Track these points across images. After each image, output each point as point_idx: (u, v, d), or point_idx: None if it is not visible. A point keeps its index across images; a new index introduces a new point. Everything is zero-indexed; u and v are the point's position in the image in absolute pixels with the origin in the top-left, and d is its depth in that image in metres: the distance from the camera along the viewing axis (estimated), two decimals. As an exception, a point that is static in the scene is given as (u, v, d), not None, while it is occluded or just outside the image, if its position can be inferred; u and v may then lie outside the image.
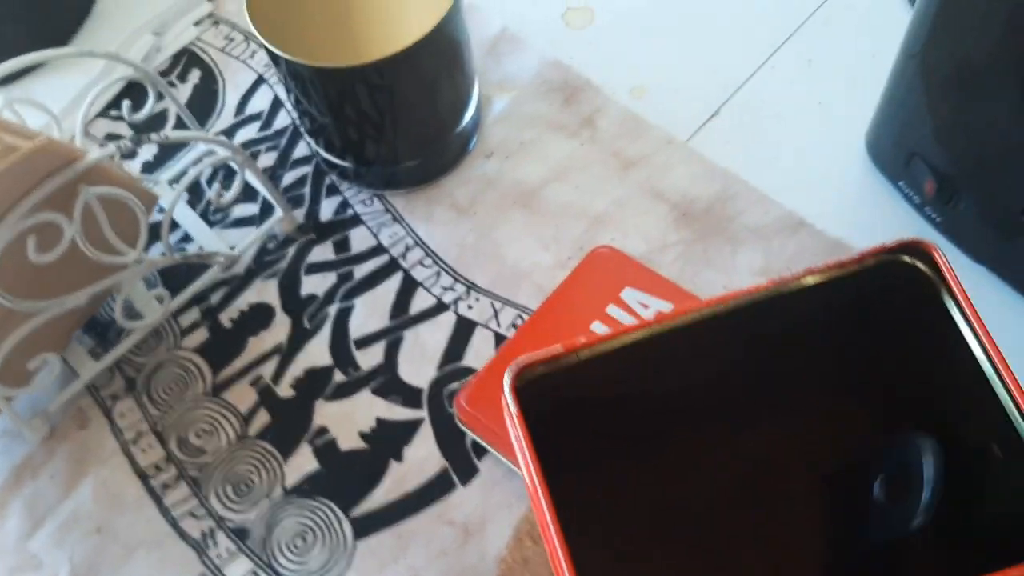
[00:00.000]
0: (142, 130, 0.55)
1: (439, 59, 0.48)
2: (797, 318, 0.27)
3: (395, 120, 0.49)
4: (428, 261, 0.51)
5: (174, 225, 0.52)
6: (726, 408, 0.30)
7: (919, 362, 0.29)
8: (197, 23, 0.59)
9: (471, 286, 0.50)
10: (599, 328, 0.47)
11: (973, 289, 0.47)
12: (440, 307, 0.49)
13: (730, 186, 0.51)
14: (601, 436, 0.29)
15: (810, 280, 0.29)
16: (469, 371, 0.47)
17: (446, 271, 0.50)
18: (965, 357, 0.28)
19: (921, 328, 0.27)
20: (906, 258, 0.29)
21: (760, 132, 0.53)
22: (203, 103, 0.57)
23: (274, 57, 0.46)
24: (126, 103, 0.49)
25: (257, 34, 0.45)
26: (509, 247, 0.51)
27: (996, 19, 0.38)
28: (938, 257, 0.29)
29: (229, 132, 0.55)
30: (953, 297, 0.28)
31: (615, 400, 0.29)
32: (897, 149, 0.48)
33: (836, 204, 0.50)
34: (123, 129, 0.56)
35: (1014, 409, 0.26)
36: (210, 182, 0.54)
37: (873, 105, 0.49)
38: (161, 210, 0.52)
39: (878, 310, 0.28)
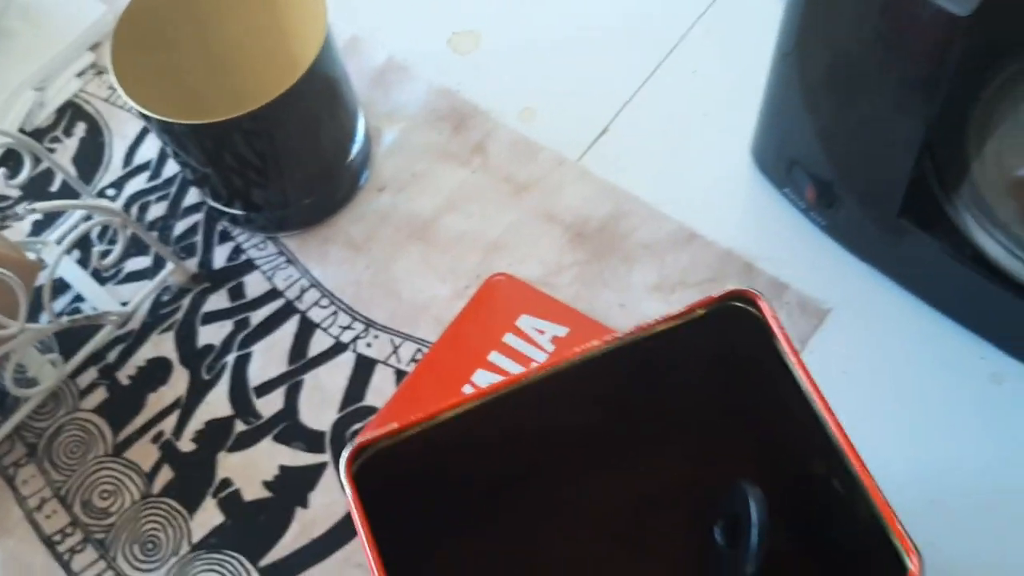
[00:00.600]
0: (26, 194, 0.54)
1: (316, 99, 0.48)
2: (645, 371, 0.27)
3: (278, 164, 0.49)
4: (325, 301, 0.50)
5: (65, 286, 0.51)
6: (580, 460, 0.30)
7: (767, 401, 0.30)
8: (80, 74, 0.58)
9: (369, 323, 0.50)
10: (497, 359, 0.47)
11: (860, 288, 0.48)
12: (339, 347, 0.49)
13: (622, 204, 0.51)
14: (451, 503, 0.30)
15: (651, 331, 0.29)
16: (371, 410, 0.47)
17: (343, 310, 0.50)
18: (799, 399, 0.28)
19: (764, 369, 0.28)
20: (739, 304, 0.30)
21: (649, 147, 0.53)
22: (90, 156, 0.56)
23: (144, 115, 0.46)
24: (2, 171, 0.48)
25: (123, 92, 0.44)
26: (406, 281, 0.51)
27: (868, 10, 0.38)
28: (762, 306, 0.29)
29: (118, 184, 0.55)
30: (779, 343, 0.29)
31: (460, 467, 0.29)
32: (779, 157, 0.49)
33: (726, 215, 0.50)
34: (7, 193, 0.55)
35: (841, 447, 0.27)
36: (101, 237, 0.53)
37: (757, 113, 0.50)
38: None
39: (723, 355, 0.28)
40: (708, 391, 0.31)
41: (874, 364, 0.46)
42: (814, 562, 0.28)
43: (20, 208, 0.41)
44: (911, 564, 0.25)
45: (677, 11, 0.56)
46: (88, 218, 0.49)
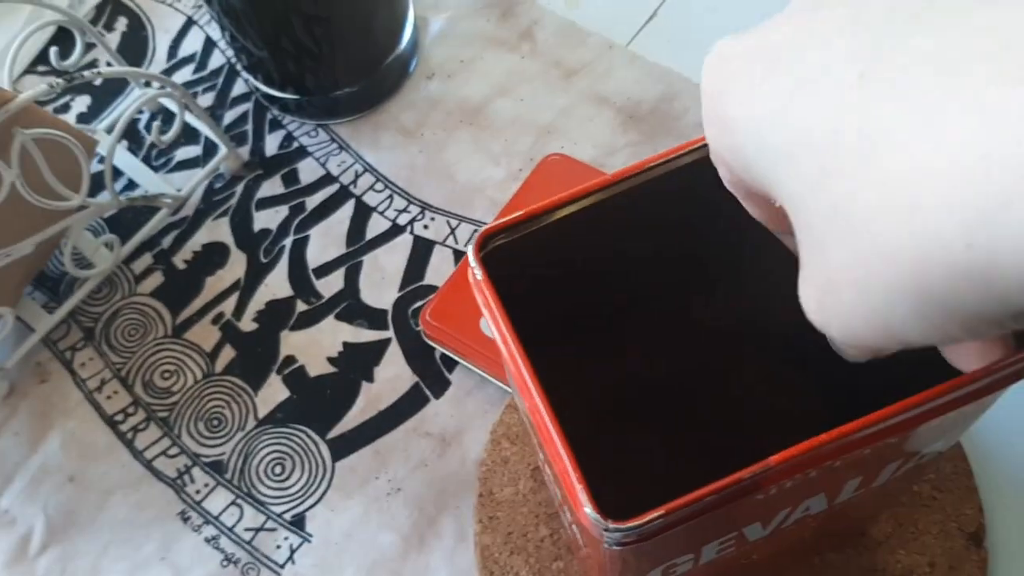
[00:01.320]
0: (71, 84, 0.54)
1: (371, -20, 0.48)
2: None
3: (332, 48, 0.49)
4: (379, 186, 0.50)
5: (117, 172, 0.51)
6: (694, 273, 0.30)
7: None
8: (119, -31, 0.58)
9: (425, 206, 0.50)
10: (557, 232, 0.47)
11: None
12: (396, 229, 0.49)
13: (674, 85, 0.51)
14: (569, 301, 0.30)
15: None
16: (431, 289, 0.47)
17: (398, 194, 0.50)
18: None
19: None
20: None
21: (698, 29, 0.53)
22: (133, 50, 0.55)
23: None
24: (53, 50, 0.47)
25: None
26: (459, 165, 0.51)
27: None
28: None
29: (165, 73, 0.54)
30: None
31: (580, 267, 0.29)
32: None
33: (778, 92, 0.50)
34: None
35: None
36: (149, 127, 0.53)
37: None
38: (101, 160, 0.51)
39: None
40: None
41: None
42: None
43: (88, 72, 0.41)
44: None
45: None
46: (139, 110, 0.49)
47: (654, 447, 0.30)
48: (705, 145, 0.28)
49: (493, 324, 0.26)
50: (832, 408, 0.23)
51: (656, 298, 0.31)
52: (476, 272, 0.26)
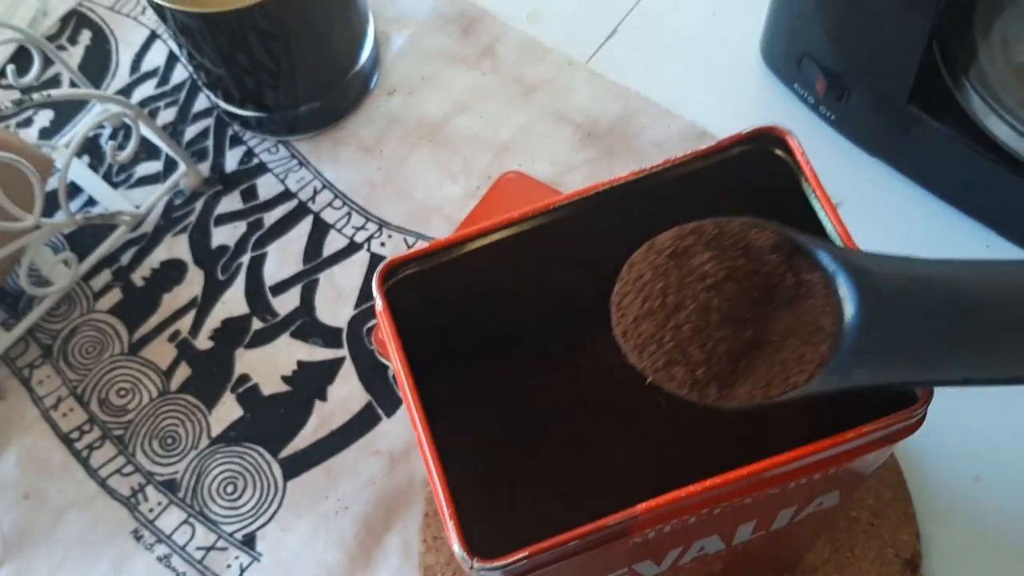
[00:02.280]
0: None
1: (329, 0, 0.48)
2: (666, 209, 0.28)
3: (291, 64, 0.49)
4: (338, 203, 0.51)
5: (76, 189, 0.51)
6: (599, 305, 0.31)
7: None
8: (84, -17, 0.58)
9: (383, 224, 0.50)
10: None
11: (869, 182, 0.48)
12: (353, 247, 0.49)
13: (632, 103, 0.52)
14: (471, 333, 0.30)
15: (675, 169, 0.30)
16: (386, 307, 0.47)
17: (357, 211, 0.50)
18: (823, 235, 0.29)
19: (786, 215, 0.28)
20: (765, 145, 0.30)
21: (658, 47, 0.53)
22: (97, 64, 0.55)
23: (160, 11, 0.46)
24: (11, 68, 0.47)
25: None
26: (418, 182, 0.51)
27: None
28: (791, 142, 0.29)
29: (125, 91, 0.54)
30: (808, 182, 0.29)
31: (485, 298, 0.29)
32: (788, 52, 0.49)
33: (735, 111, 0.51)
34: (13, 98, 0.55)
35: None
36: (112, 139, 0.53)
37: (765, 10, 0.50)
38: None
39: (745, 199, 0.28)
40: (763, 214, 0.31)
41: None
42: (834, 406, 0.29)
43: (37, 95, 0.41)
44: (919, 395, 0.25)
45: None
46: (100, 125, 0.49)
47: (554, 481, 0.30)
48: (610, 188, 0.29)
49: (391, 354, 0.26)
50: (728, 452, 0.24)
51: (561, 332, 0.31)
52: (378, 302, 0.26)
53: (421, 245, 0.48)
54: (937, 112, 0.44)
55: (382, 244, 0.49)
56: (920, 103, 0.44)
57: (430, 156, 0.51)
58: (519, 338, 0.31)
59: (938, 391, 0.31)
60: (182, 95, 0.54)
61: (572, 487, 0.29)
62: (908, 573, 0.37)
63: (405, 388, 0.26)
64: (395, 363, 0.26)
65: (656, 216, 0.27)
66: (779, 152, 0.30)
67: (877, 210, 0.48)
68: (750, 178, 0.30)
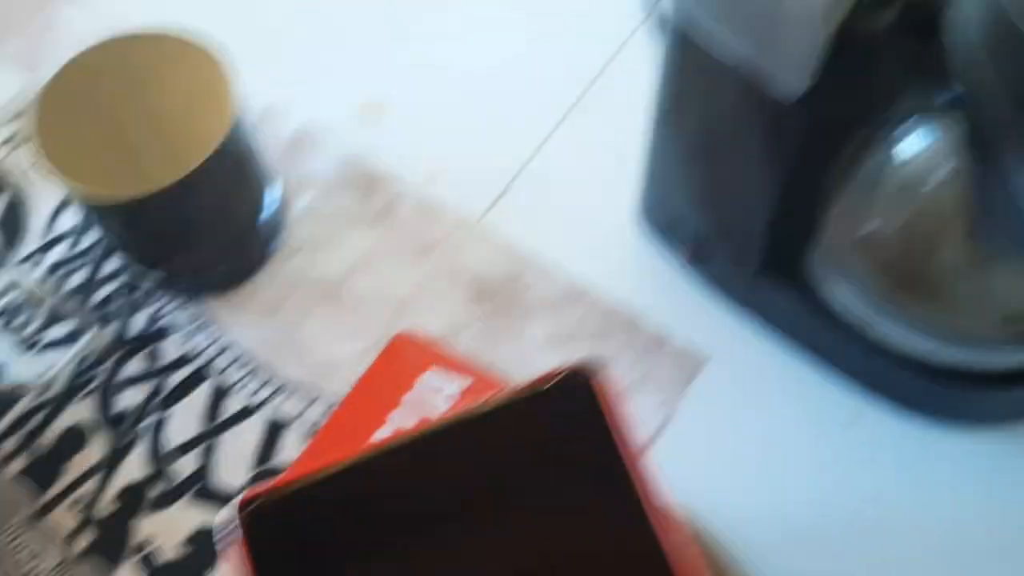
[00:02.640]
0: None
1: (229, 172, 0.51)
2: (490, 441, 0.30)
3: (196, 232, 0.52)
4: (239, 364, 0.53)
5: (-14, 355, 0.53)
6: (462, 526, 0.33)
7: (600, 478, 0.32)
8: (3, 143, 0.60)
9: (282, 384, 0.52)
10: (399, 414, 0.50)
11: (737, 338, 0.51)
12: (252, 408, 0.52)
13: (519, 263, 0.55)
14: (339, 560, 0.32)
15: (498, 404, 0.32)
16: (283, 468, 0.50)
17: (257, 372, 0.53)
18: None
19: (596, 440, 0.31)
20: (581, 378, 0.33)
21: (545, 208, 0.57)
22: (10, 226, 0.58)
23: (66, 187, 0.48)
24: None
25: (47, 165, 0.47)
26: (317, 341, 0.53)
27: (719, 88, 0.42)
28: (598, 382, 0.32)
29: (39, 253, 0.57)
30: (608, 423, 0.32)
31: (351, 522, 0.32)
32: (660, 217, 0.52)
33: (614, 272, 0.54)
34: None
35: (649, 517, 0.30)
36: (20, 309, 0.55)
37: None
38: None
39: (566, 425, 0.31)
40: (564, 458, 0.34)
41: (748, 407, 0.50)
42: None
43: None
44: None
45: (570, 79, 0.60)
46: (5, 291, 0.51)
47: None
48: (442, 426, 0.31)
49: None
50: None
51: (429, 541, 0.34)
52: (238, 532, 0.29)
53: (317, 407, 0.50)
54: (788, 280, 0.47)
55: (280, 405, 0.52)
56: (773, 271, 0.48)
57: (329, 315, 0.54)
58: (386, 560, 0.33)
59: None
60: (94, 257, 0.57)
61: None
62: None
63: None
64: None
65: (478, 448, 0.30)
66: (592, 387, 0.32)
67: (742, 363, 0.51)
68: (571, 412, 0.32)
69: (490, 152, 0.58)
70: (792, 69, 0.37)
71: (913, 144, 0.46)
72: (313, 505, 0.31)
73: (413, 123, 0.60)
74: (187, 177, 0.48)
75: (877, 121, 0.46)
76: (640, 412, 0.50)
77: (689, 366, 0.51)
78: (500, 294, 0.54)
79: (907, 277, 0.46)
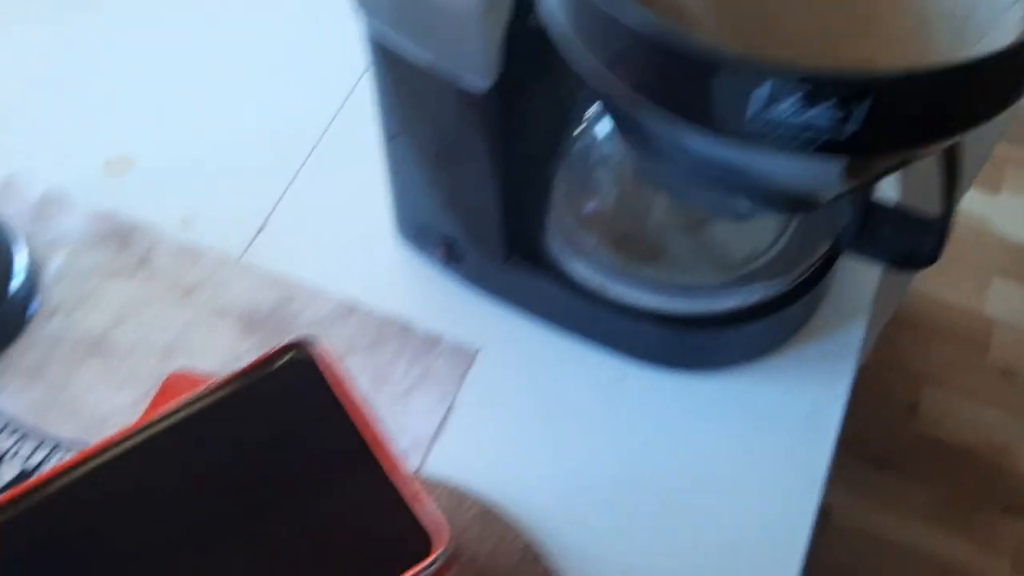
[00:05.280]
0: None
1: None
2: (226, 425, 0.32)
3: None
4: (8, 432, 0.51)
5: None
6: (199, 521, 0.33)
7: (340, 436, 0.34)
8: None
9: (56, 444, 0.51)
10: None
11: (503, 325, 0.55)
12: (28, 472, 0.50)
13: (287, 290, 0.56)
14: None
15: (223, 391, 0.33)
16: (65, 527, 0.48)
17: (28, 436, 0.51)
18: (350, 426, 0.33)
19: (334, 410, 0.33)
20: (299, 354, 0.34)
21: (305, 235, 0.58)
22: None
23: None
24: None
25: None
26: (87, 397, 0.52)
27: (423, 93, 0.45)
28: (312, 351, 0.34)
29: None
30: (332, 387, 0.33)
31: (80, 539, 0.31)
32: (411, 225, 0.55)
33: (380, 284, 0.56)
34: None
35: (376, 457, 0.32)
36: None
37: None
38: None
39: (295, 409, 0.33)
40: (296, 436, 0.35)
41: (522, 387, 0.53)
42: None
43: None
44: (433, 539, 0.30)
45: (313, 112, 0.63)
46: None
47: None
48: (163, 419, 0.32)
49: None
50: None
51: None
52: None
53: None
54: (531, 263, 0.51)
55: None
56: (517, 258, 0.51)
57: (97, 369, 0.53)
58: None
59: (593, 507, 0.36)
60: None
61: None
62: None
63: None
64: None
65: (216, 433, 0.31)
66: (314, 359, 0.34)
67: (511, 349, 0.54)
68: (299, 387, 0.34)
69: (243, 191, 0.60)
70: (475, 67, 0.40)
71: (605, 128, 0.51)
72: (38, 521, 0.31)
73: (161, 173, 0.60)
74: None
75: (574, 107, 0.51)
76: (423, 408, 0.52)
77: (462, 360, 0.54)
78: (270, 322, 0.55)
79: (630, 244, 0.51)
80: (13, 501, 0.31)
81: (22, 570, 0.30)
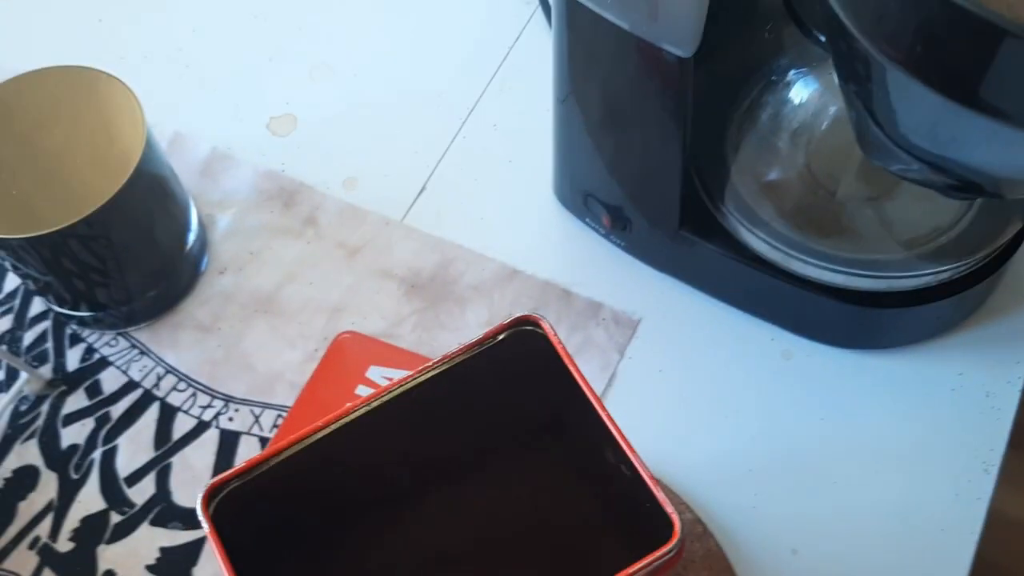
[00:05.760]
0: None
1: (146, 198, 0.51)
2: (453, 396, 0.32)
3: (118, 263, 0.52)
4: (182, 385, 0.53)
5: (-82, 410, 0.52)
6: (430, 485, 0.34)
7: (565, 410, 0.34)
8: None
9: (228, 399, 0.52)
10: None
11: (663, 297, 0.54)
12: (202, 426, 0.52)
13: (447, 253, 0.56)
14: (304, 536, 0.33)
15: (457, 359, 0.34)
16: (241, 479, 0.50)
17: (201, 390, 0.53)
18: (583, 403, 0.33)
19: (556, 383, 0.33)
20: (529, 328, 0.34)
21: (464, 198, 0.58)
22: (-73, 282, 0.57)
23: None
24: None
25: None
26: (257, 353, 0.54)
27: (617, 57, 0.44)
28: (544, 326, 0.34)
29: (-41, 305, 0.56)
30: (563, 360, 0.34)
31: (314, 497, 0.33)
32: (575, 191, 0.55)
33: (540, 249, 0.56)
34: None
35: (616, 438, 0.32)
36: (-51, 359, 0.54)
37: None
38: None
39: (522, 373, 0.33)
40: (519, 410, 0.35)
41: (685, 360, 0.52)
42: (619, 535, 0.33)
43: None
44: (675, 526, 0.30)
45: (473, 73, 0.62)
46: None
47: None
48: (400, 388, 0.33)
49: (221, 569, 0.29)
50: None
51: (379, 514, 0.35)
52: (203, 524, 0.29)
53: (267, 416, 0.51)
54: (705, 234, 0.50)
55: (230, 419, 0.52)
56: (690, 228, 0.50)
57: (267, 327, 0.55)
58: (339, 528, 0.34)
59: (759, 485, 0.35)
60: (17, 301, 0.56)
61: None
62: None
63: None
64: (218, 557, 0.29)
65: (444, 405, 0.31)
66: (540, 332, 0.34)
67: (674, 320, 0.53)
68: (522, 359, 0.34)
69: (404, 153, 0.60)
70: (677, 37, 0.39)
71: (800, 93, 0.49)
72: (277, 484, 0.32)
73: (325, 134, 0.61)
74: (108, 202, 0.48)
75: (766, 75, 0.49)
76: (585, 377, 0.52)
77: (624, 329, 0.53)
78: (433, 284, 0.55)
79: (812, 217, 0.50)
80: (265, 461, 0.32)
81: (268, 527, 0.31)
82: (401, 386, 0.33)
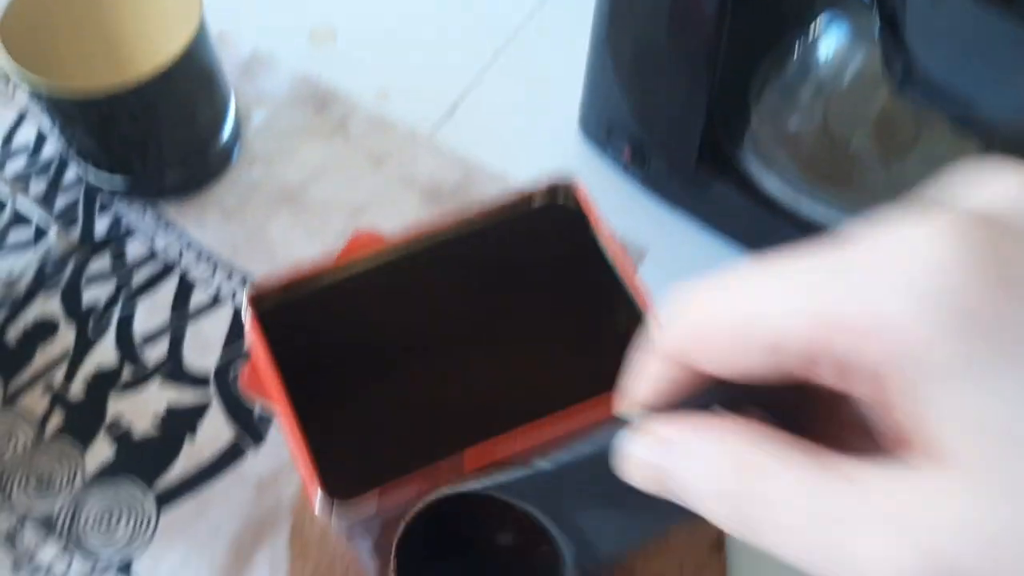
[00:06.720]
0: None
1: (194, 78, 0.53)
2: (484, 247, 0.34)
3: (158, 138, 0.54)
4: (203, 261, 0.55)
5: (-52, 254, 0.54)
6: (458, 335, 0.37)
7: (587, 278, 0.37)
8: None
9: (246, 278, 0.55)
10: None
11: (674, 232, 0.56)
12: (218, 300, 0.54)
13: (471, 171, 0.59)
14: (338, 357, 0.35)
15: (489, 215, 0.36)
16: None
17: (221, 268, 0.55)
18: (608, 271, 0.36)
19: (585, 249, 0.35)
20: (564, 193, 0.37)
21: (492, 120, 0.61)
22: (-33, 140, 0.59)
23: (35, 91, 0.50)
24: None
25: (15, 66, 0.48)
26: (279, 241, 0.56)
27: (661, 8, 0.47)
28: (579, 190, 0.36)
29: (-3, 164, 0.58)
30: (593, 226, 0.36)
31: (350, 324, 0.35)
32: (600, 124, 0.57)
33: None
34: None
35: (636, 300, 0.34)
36: (-18, 212, 0.56)
37: (581, 89, 0.58)
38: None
39: (551, 238, 0.35)
40: (547, 274, 0.38)
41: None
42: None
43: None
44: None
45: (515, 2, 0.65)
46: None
47: (399, 438, 0.36)
48: (437, 232, 0.35)
49: (255, 347, 0.32)
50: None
51: (410, 344, 0.37)
52: (246, 314, 0.32)
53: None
54: (722, 173, 0.52)
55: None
56: (707, 166, 0.53)
57: (290, 218, 0.57)
58: (382, 364, 0.37)
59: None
60: (52, 167, 0.58)
61: (413, 441, 0.34)
62: (715, 552, 0.44)
63: (269, 372, 0.31)
64: (264, 364, 0.32)
65: (474, 253, 0.33)
66: (574, 199, 0.36)
67: (680, 254, 0.56)
68: (555, 222, 0.36)
69: (439, 69, 0.62)
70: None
71: (827, 45, 0.52)
72: (319, 296, 0.34)
73: (364, 45, 0.63)
74: (161, 74, 0.50)
75: (798, 23, 0.52)
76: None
77: (632, 257, 0.56)
78: (452, 199, 0.58)
79: (825, 168, 0.52)
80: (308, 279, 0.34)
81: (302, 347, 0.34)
82: (436, 233, 0.35)
